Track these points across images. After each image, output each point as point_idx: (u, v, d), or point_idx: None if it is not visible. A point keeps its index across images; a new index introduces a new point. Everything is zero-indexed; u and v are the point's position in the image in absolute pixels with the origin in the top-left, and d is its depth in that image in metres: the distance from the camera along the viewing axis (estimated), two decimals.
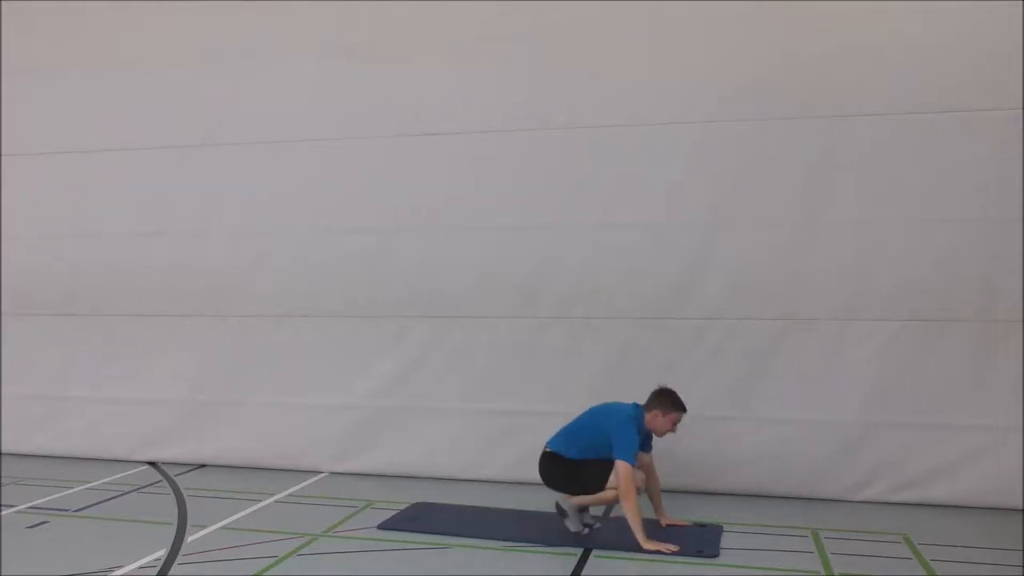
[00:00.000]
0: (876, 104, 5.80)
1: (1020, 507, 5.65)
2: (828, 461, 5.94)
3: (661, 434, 5.14)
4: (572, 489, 5.14)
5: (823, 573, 4.60)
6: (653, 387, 5.18)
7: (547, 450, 5.22)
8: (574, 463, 5.11)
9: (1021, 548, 4.95)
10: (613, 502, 5.10)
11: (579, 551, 4.89)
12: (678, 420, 5.10)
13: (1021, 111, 5.59)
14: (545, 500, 5.87)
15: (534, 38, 6.33)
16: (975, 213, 5.68)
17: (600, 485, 5.00)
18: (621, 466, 4.89)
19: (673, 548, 4.82)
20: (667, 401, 5.09)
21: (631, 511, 4.89)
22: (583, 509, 5.21)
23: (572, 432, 5.19)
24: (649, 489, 5.26)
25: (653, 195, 6.15)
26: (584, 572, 4.60)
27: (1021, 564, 4.72)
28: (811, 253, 5.93)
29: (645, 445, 5.18)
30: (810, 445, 5.96)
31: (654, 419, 5.09)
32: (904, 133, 5.76)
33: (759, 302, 6.01)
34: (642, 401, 5.16)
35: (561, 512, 5.22)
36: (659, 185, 6.14)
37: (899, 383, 5.84)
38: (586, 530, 5.19)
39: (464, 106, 6.46)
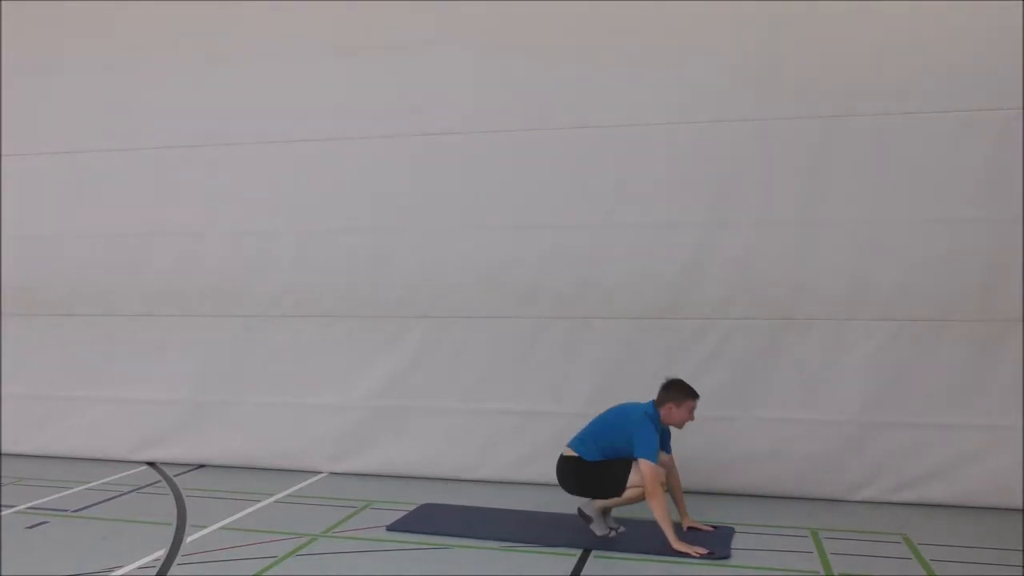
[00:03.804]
0: (876, 104, 5.80)
1: (1020, 507, 5.65)
2: (828, 461, 5.94)
3: (680, 425, 5.07)
4: (593, 493, 5.05)
5: (823, 573, 4.60)
6: (653, 386, 5.16)
7: (566, 453, 5.11)
8: (594, 465, 5.01)
9: (1021, 548, 4.95)
10: (637, 501, 4.96)
11: (579, 551, 4.88)
12: (693, 407, 5.05)
13: (1021, 111, 5.59)
14: (545, 500, 5.87)
15: (534, 38, 6.33)
16: (975, 213, 5.68)
17: (621, 487, 4.92)
18: (645, 465, 4.81)
19: (702, 551, 4.75)
20: (678, 391, 5.04)
21: (660, 510, 4.80)
22: (606, 512, 5.13)
23: (592, 434, 5.10)
24: (670, 489, 5.16)
25: (653, 195, 6.15)
26: (584, 572, 4.60)
27: (1021, 564, 4.72)
28: (811, 253, 5.93)
29: (664, 444, 5.13)
30: (810, 445, 5.96)
31: (669, 412, 5.02)
32: (904, 133, 5.76)
33: (759, 302, 6.01)
34: (651, 397, 5.10)
35: (585, 517, 5.10)
36: (659, 185, 6.14)
37: (899, 383, 5.84)
38: (612, 533, 5.10)
39: (464, 106, 6.46)
